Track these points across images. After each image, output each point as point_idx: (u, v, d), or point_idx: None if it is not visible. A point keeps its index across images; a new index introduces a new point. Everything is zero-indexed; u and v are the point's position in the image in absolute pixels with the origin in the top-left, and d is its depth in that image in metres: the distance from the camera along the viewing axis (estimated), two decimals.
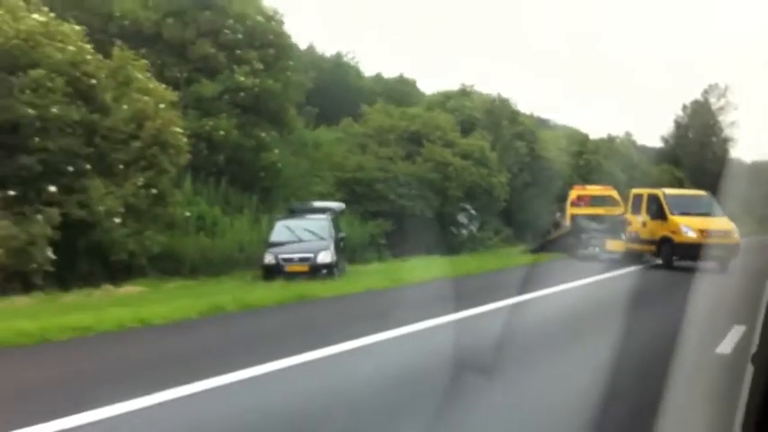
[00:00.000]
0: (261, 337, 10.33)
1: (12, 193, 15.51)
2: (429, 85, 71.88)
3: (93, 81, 17.21)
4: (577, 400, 6.35)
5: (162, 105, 17.96)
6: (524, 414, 6.40)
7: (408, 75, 51.52)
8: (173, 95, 18.68)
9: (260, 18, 24.95)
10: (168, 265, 18.85)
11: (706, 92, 70.98)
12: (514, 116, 40.51)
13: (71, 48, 17.07)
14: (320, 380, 7.55)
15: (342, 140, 31.23)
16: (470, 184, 30.04)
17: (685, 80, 77.61)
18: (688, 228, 20.34)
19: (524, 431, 6.03)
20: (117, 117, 17.30)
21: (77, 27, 17.76)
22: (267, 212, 23.64)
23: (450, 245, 29.88)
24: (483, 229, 33.63)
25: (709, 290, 13.92)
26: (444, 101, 39.07)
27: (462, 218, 31.43)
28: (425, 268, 20.95)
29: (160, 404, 6.37)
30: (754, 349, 1.94)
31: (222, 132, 22.89)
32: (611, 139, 58.56)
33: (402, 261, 24.81)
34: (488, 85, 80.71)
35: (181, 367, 8.04)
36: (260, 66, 24.29)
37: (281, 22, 25.66)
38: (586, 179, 38.75)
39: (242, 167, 24.40)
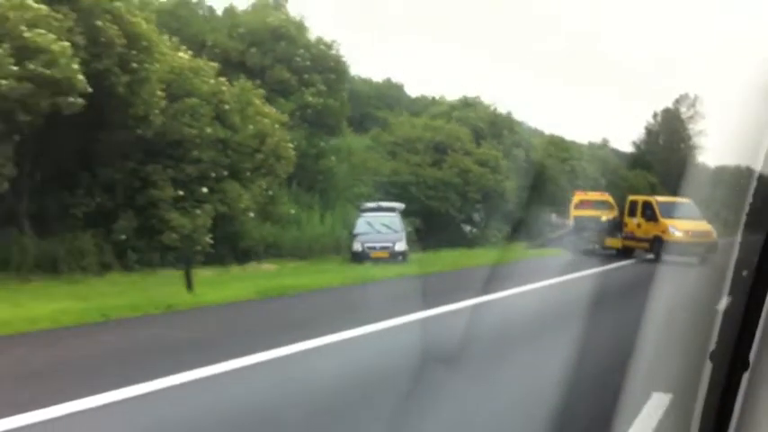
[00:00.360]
0: (421, 292, 16.14)
1: (180, 192, 21.16)
2: (416, 89, 77.46)
3: (227, 106, 22.91)
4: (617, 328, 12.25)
5: (277, 125, 23.72)
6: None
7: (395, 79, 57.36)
8: (284, 117, 24.49)
9: (322, 47, 30.78)
10: (273, 251, 24.62)
11: (677, 101, 77.06)
12: (512, 126, 46.76)
13: (212, 80, 22.78)
14: (488, 317, 13.43)
15: (372, 148, 37.09)
16: (487, 189, 36.18)
17: (660, 84, 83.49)
18: (675, 228, 26.69)
19: None
20: (245, 134, 23.01)
21: (212, 63, 23.45)
22: (328, 210, 29.51)
23: (465, 240, 36.13)
24: (488, 227, 39.87)
25: (698, 275, 20.17)
26: (450, 111, 45.05)
27: (477, 217, 37.67)
28: (467, 257, 27.07)
29: (417, 320, 12.05)
30: (712, 347, 2.03)
31: (296, 143, 28.61)
32: (591, 146, 65.48)
33: (435, 252, 30.72)
34: (467, 86, 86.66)
35: (397, 303, 13.85)
36: (323, 87, 30.13)
37: (338, 50, 31.56)
38: (573, 183, 45.19)
39: (305, 172, 30.16)
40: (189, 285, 14.37)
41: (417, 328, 11.42)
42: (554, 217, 40.49)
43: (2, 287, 14.94)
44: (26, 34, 14.84)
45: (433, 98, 58.70)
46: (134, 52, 17.78)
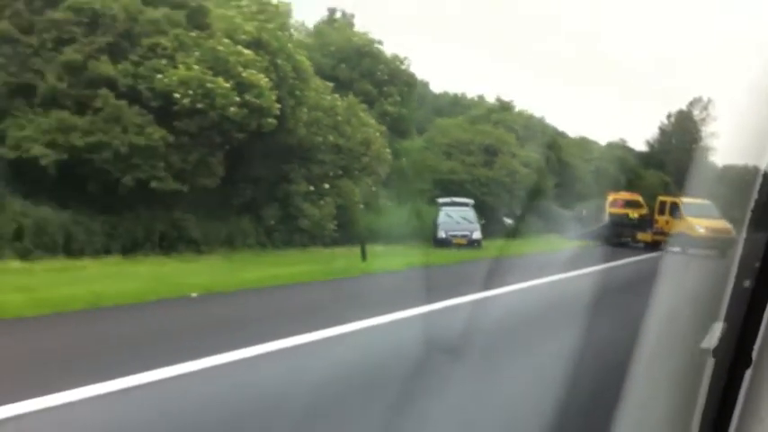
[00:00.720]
0: (524, 268, 22.52)
1: (311, 188, 27.58)
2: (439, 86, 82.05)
3: (340, 118, 29.33)
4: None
5: (377, 134, 30.19)
6: None
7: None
8: (381, 128, 30.95)
9: (398, 63, 37.25)
10: (371, 236, 31.02)
11: (690, 104, 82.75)
12: (545, 129, 53.34)
13: (328, 96, 29.20)
14: (589, 283, 19.79)
15: (428, 148, 43.50)
16: (530, 188, 42.71)
17: (660, 84, 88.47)
18: (698, 226, 33.13)
19: None
20: (354, 141, 29.43)
21: (327, 83, 29.88)
22: (402, 203, 35.96)
23: (507, 232, 42.65)
24: (526, 220, 46.41)
25: (721, 262, 26.66)
26: (488, 114, 51.56)
27: (518, 211, 44.21)
28: (525, 245, 33.52)
29: (543, 283, 18.42)
30: (715, 343, 2.08)
31: None
32: (611, 147, 71.89)
33: (491, 242, 37.07)
34: (467, 87, 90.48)
35: (520, 273, 20.22)
36: (398, 98, 36.61)
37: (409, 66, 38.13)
38: (598, 183, 51.70)
39: None
40: (364, 257, 20.84)
41: (552, 287, 17.76)
42: (584, 212, 47.00)
43: (224, 258, 21.37)
44: (243, 74, 21.24)
45: (455, 95, 65.20)
46: (298, 82, 24.19)
